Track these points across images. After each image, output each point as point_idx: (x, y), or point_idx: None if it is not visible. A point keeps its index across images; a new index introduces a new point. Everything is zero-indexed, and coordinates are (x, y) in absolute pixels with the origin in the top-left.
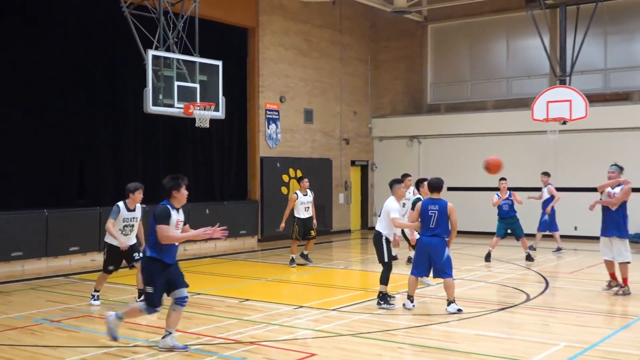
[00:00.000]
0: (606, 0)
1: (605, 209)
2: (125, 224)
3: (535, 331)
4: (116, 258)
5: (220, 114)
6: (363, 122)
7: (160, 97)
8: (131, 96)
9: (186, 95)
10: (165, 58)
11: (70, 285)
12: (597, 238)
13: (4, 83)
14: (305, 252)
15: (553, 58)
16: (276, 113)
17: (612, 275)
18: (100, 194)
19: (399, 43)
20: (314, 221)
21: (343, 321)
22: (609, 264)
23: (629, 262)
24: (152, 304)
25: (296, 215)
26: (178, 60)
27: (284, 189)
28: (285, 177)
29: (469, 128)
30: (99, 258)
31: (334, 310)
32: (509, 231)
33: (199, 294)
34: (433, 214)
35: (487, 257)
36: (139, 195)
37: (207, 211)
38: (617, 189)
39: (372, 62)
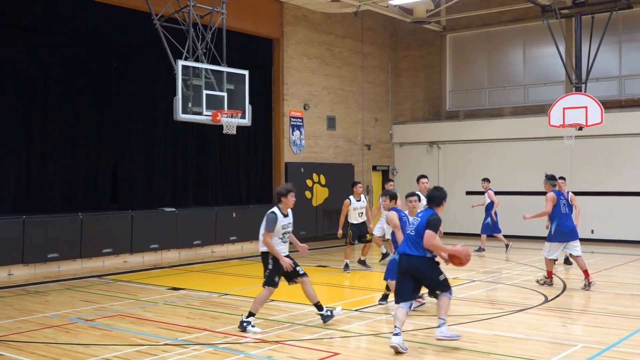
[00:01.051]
0: (620, 10)
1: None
2: (284, 231)
3: (553, 332)
4: (281, 269)
5: (246, 121)
6: (384, 129)
7: (190, 105)
8: (162, 104)
9: (214, 103)
10: (195, 68)
11: (103, 285)
12: (614, 241)
13: (44, 93)
14: (363, 258)
15: (569, 65)
16: (300, 120)
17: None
18: (132, 198)
19: (418, 52)
20: (370, 225)
21: (365, 321)
22: (550, 263)
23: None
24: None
25: (349, 220)
26: (206, 69)
27: (307, 193)
28: (309, 182)
29: (487, 134)
30: (130, 259)
31: (356, 310)
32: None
33: (226, 294)
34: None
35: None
36: (291, 198)
37: (234, 214)
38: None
39: (392, 71)
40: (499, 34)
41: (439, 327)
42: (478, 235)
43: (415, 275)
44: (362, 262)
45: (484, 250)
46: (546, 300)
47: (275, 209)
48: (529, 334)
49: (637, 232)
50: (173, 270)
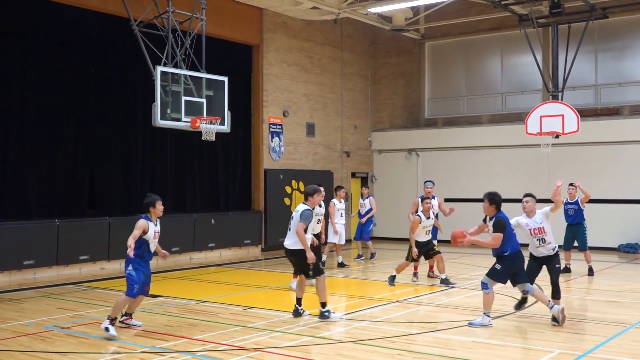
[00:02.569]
0: (596, 19)
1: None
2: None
3: (530, 338)
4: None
5: (225, 128)
6: (363, 136)
7: (168, 111)
8: (140, 110)
9: (193, 110)
10: (173, 74)
11: (80, 292)
12: (590, 248)
13: (18, 96)
14: (443, 276)
15: (546, 74)
16: (279, 127)
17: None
18: (110, 204)
19: (397, 60)
20: (434, 241)
21: (344, 328)
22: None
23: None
24: None
25: (415, 238)
26: (185, 76)
27: (286, 200)
28: (288, 189)
29: (465, 141)
30: (108, 266)
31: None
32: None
33: (204, 301)
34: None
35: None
36: (318, 197)
37: (213, 221)
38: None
39: (371, 78)
40: (477, 42)
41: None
42: None
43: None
44: (445, 281)
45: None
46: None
47: (308, 206)
48: (506, 340)
49: (613, 239)
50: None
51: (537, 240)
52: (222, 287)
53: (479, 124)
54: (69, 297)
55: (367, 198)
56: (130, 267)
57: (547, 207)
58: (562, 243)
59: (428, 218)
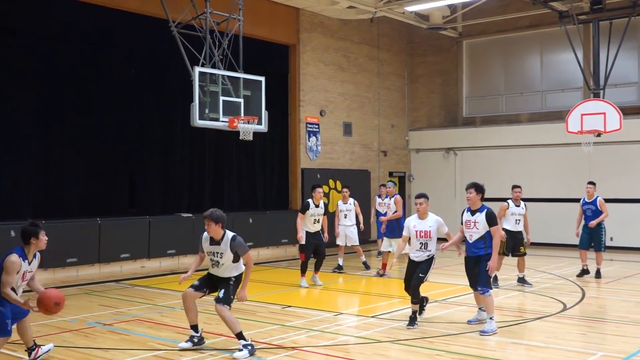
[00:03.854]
0: (639, 15)
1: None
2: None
3: (572, 340)
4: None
5: (263, 127)
6: (400, 135)
7: (207, 111)
8: (179, 111)
9: (231, 110)
10: (211, 74)
11: (121, 290)
12: (633, 248)
13: (63, 99)
14: (521, 274)
15: (587, 71)
16: (316, 126)
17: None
18: (149, 203)
19: (434, 58)
20: (527, 236)
21: (382, 328)
22: (386, 255)
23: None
24: None
25: (506, 226)
26: (223, 76)
27: (324, 199)
28: (325, 188)
29: (504, 140)
30: (148, 265)
31: (373, 317)
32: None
33: None
34: None
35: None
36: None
37: (251, 220)
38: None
39: (408, 77)
40: (515, 40)
41: None
42: None
43: None
44: (521, 280)
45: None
46: (565, 308)
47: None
48: (547, 342)
49: None
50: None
51: (419, 243)
52: (260, 286)
53: (518, 123)
54: (111, 295)
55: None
56: None
57: (447, 228)
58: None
59: (517, 206)
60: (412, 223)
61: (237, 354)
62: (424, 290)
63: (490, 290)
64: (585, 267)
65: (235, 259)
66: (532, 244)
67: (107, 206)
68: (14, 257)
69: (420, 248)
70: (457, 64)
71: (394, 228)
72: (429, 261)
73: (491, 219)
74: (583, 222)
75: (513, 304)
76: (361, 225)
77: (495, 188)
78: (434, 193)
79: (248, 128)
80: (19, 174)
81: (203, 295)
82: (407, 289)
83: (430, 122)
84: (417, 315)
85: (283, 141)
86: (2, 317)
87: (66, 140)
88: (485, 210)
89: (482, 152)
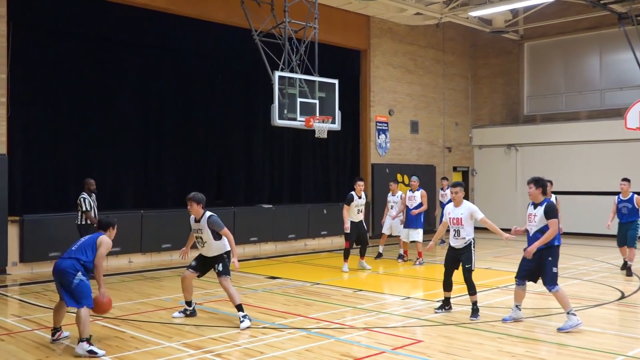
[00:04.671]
0: None
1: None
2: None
3: (630, 327)
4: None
5: (336, 126)
6: (464, 132)
7: (285, 111)
8: (260, 111)
9: (307, 110)
10: (290, 78)
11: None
12: None
13: (160, 102)
14: (629, 262)
15: None
16: (385, 125)
17: (406, 252)
18: (234, 195)
19: (497, 60)
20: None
21: (447, 312)
22: (404, 244)
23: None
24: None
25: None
26: (300, 79)
27: (365, 191)
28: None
29: (563, 136)
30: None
31: (438, 301)
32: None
33: (318, 283)
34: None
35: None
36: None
37: (325, 211)
38: (417, 193)
39: (472, 78)
40: (575, 42)
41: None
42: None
43: None
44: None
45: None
46: (623, 296)
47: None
48: (605, 328)
49: None
50: (270, 261)
51: (453, 230)
52: (334, 271)
53: (577, 120)
54: (201, 278)
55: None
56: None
57: (480, 214)
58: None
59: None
60: (447, 210)
61: (242, 325)
62: (482, 277)
63: (558, 286)
64: (627, 262)
65: (216, 237)
66: (592, 235)
67: None
68: (107, 238)
69: (455, 235)
70: (518, 65)
71: (414, 218)
72: (468, 248)
73: (549, 212)
74: (617, 219)
75: (571, 291)
76: (402, 217)
77: (555, 182)
78: (495, 187)
79: (323, 127)
80: (122, 169)
81: (200, 276)
82: (446, 276)
83: (493, 120)
84: (477, 306)
85: (354, 139)
86: (89, 289)
87: (162, 139)
88: (545, 203)
89: (542, 148)
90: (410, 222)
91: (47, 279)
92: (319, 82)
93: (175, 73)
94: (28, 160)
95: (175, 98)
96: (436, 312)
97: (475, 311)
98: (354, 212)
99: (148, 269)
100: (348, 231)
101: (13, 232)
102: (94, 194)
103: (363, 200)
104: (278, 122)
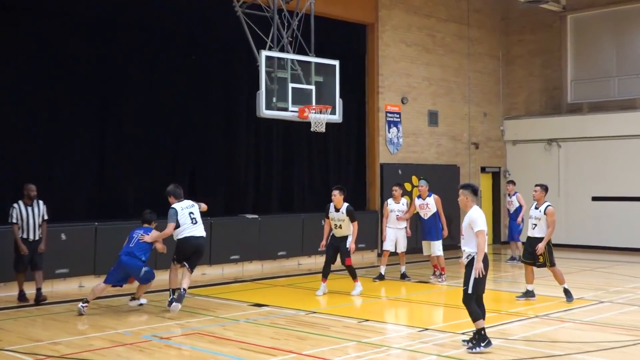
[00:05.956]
0: None
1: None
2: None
3: None
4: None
5: (337, 117)
6: (494, 125)
7: (274, 100)
8: (244, 99)
9: (301, 98)
10: (279, 59)
11: None
12: None
13: (119, 89)
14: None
15: None
16: (397, 115)
17: (435, 266)
18: (212, 203)
19: (534, 36)
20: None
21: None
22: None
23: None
24: None
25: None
26: (292, 60)
27: (406, 198)
28: (407, 186)
29: (616, 129)
30: (209, 271)
31: (462, 334)
32: None
33: (314, 312)
34: None
35: None
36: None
37: (323, 222)
38: (429, 200)
39: (503, 58)
40: (630, 13)
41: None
42: (606, 249)
43: None
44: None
45: (517, 259)
46: None
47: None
48: None
49: None
50: (255, 284)
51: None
52: (334, 297)
53: (633, 109)
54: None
55: (513, 195)
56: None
57: (478, 227)
58: None
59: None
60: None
61: (172, 306)
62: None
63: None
64: None
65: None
66: None
67: (165, 207)
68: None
69: (462, 248)
70: (560, 42)
71: (431, 229)
72: (470, 265)
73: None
74: None
75: (627, 320)
76: (408, 230)
77: (605, 185)
78: (532, 192)
79: (320, 118)
80: (71, 172)
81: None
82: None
83: (529, 110)
84: (484, 333)
85: (359, 133)
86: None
87: (124, 134)
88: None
89: (590, 143)
90: (427, 232)
91: None
92: (316, 63)
93: (136, 53)
94: None
95: (137, 84)
96: (467, 347)
97: (482, 338)
98: (334, 226)
99: (104, 296)
100: (322, 248)
101: None
102: (36, 202)
103: (342, 215)
104: (265, 112)
